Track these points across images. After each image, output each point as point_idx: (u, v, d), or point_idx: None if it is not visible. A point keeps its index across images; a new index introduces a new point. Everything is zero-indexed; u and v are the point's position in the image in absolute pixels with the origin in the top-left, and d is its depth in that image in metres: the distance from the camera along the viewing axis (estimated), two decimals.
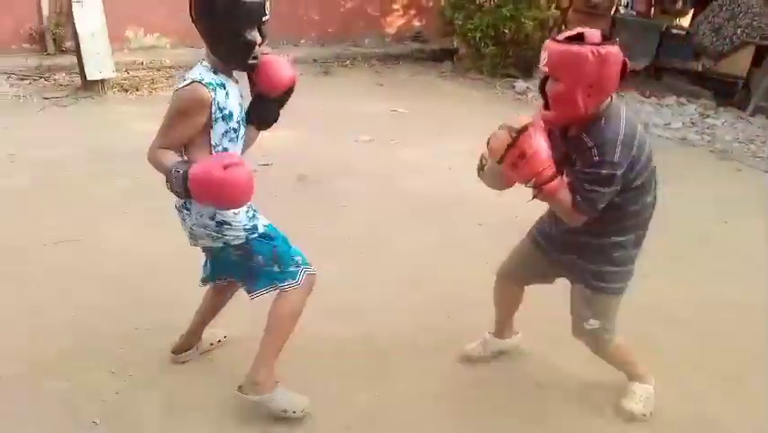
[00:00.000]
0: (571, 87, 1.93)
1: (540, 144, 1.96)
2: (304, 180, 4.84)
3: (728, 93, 8.22)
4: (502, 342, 2.78)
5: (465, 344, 2.85)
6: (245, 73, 2.20)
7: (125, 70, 7.98)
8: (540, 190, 2.01)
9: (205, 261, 2.46)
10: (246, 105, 2.27)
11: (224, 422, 2.40)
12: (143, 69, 8.25)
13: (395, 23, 11.25)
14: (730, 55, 8.20)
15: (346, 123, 6.43)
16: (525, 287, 2.64)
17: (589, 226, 2.12)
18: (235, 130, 2.16)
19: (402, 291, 3.34)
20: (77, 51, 6.97)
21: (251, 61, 2.09)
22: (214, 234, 2.19)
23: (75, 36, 6.92)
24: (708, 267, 3.74)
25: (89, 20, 6.81)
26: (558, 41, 1.96)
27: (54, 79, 7.54)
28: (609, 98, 2.03)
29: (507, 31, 8.66)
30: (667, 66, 9.29)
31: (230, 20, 1.98)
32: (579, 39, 1.94)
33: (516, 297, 2.66)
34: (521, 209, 4.51)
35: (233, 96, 2.14)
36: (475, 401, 2.60)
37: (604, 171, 1.97)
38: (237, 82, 2.18)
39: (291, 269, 2.27)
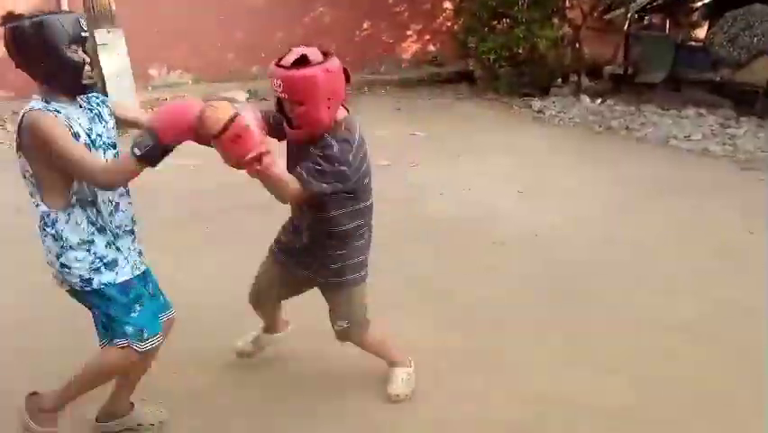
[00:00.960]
0: (313, 105, 2.05)
1: (252, 124, 1.92)
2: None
3: (748, 102, 8.15)
4: (273, 336, 2.83)
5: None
6: None
7: (150, 108, 8.22)
8: (257, 165, 1.93)
9: None
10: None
11: None
12: None
13: (410, 48, 11.44)
14: (748, 64, 8.15)
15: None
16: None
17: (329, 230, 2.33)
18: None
19: (422, 316, 3.36)
20: (102, 92, 7.22)
21: (84, 82, 1.99)
22: (60, 275, 2.10)
23: (101, 77, 7.18)
24: (733, 279, 3.69)
25: (114, 61, 7.07)
26: (286, 68, 2.04)
27: None
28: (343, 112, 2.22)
29: (520, 51, 8.76)
30: (685, 78, 9.25)
31: (49, 45, 1.89)
32: (303, 60, 2.03)
33: (275, 308, 2.74)
34: (540, 225, 4.63)
35: (77, 118, 2.00)
36: None
37: (339, 167, 2.11)
38: (81, 106, 2.06)
39: (118, 339, 2.11)
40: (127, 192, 2.21)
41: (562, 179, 5.42)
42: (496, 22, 9.21)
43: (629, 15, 10.03)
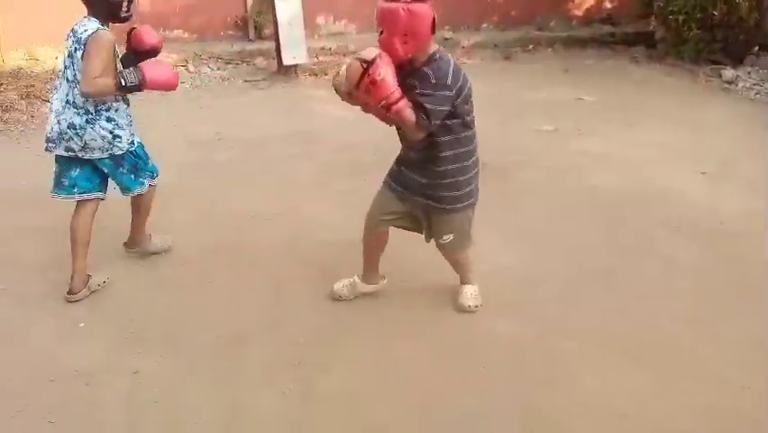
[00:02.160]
0: (390, 35, 2.39)
1: (387, 72, 2.33)
2: (484, 168, 4.72)
3: None
4: (368, 286, 3.06)
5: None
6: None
7: (316, 56, 8.45)
8: (389, 109, 2.37)
9: (61, 177, 3.08)
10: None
11: None
12: (331, 54, 8.67)
13: (583, 4, 10.60)
14: None
15: (528, 111, 6.21)
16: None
17: (430, 152, 2.59)
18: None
19: (583, 292, 3.14)
20: (275, 38, 7.52)
21: (122, 15, 2.91)
22: (108, 145, 2.98)
23: (275, 24, 7.46)
24: None
25: (288, 9, 7.29)
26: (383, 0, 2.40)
27: (254, 64, 8.22)
28: (437, 47, 2.50)
29: (715, 13, 7.74)
30: None
31: None
32: None
33: (382, 240, 2.95)
34: (727, 213, 4.11)
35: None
36: None
37: (440, 93, 2.40)
38: None
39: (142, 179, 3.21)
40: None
41: (754, 165, 4.75)
42: None
43: None
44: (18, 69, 7.12)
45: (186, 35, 9.17)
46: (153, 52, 3.11)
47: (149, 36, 3.12)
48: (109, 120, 2.95)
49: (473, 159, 2.71)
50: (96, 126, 2.92)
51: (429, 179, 2.65)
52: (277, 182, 4.57)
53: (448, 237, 2.80)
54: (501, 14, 10.21)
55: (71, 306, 3.05)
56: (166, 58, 8.03)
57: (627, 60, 8.51)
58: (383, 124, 2.62)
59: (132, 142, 3.10)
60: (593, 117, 5.96)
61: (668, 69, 7.97)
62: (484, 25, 10.15)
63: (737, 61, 8.12)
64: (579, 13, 10.55)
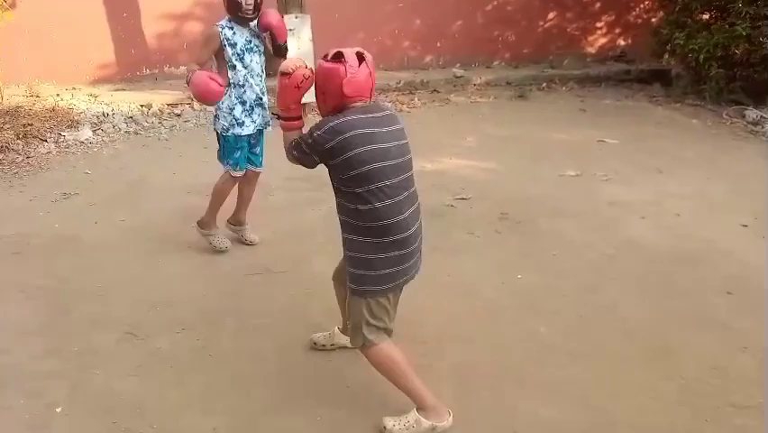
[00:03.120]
0: (316, 90, 2.32)
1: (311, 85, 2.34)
2: (506, 219, 4.42)
3: None
4: (345, 337, 2.78)
5: None
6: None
7: None
8: (284, 118, 2.38)
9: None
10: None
11: None
12: None
13: (596, 42, 10.44)
14: None
15: (548, 153, 5.90)
16: None
17: (345, 220, 2.30)
18: (239, 54, 3.53)
19: (635, 373, 2.76)
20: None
21: (241, 15, 3.48)
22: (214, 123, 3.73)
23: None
24: None
25: (298, 47, 7.06)
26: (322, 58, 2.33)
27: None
28: (361, 109, 2.24)
29: (737, 51, 7.50)
30: None
31: None
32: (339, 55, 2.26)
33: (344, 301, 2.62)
34: None
35: (239, 34, 3.54)
36: None
37: (308, 138, 2.25)
38: (249, 29, 3.59)
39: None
40: (253, 80, 3.60)
41: None
42: (708, 16, 7.99)
43: None
44: (17, 107, 6.88)
45: None
46: (278, 36, 3.56)
47: (265, 17, 3.52)
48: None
49: (385, 240, 2.21)
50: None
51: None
52: (285, 232, 4.23)
53: (349, 323, 2.41)
54: (513, 52, 10.03)
55: (49, 385, 2.68)
56: (168, 94, 7.83)
57: (646, 100, 8.25)
58: None
59: (227, 129, 3.61)
60: (619, 162, 5.65)
61: (689, 109, 7.70)
62: (496, 63, 9.96)
63: (759, 100, 7.86)
64: (592, 50, 10.38)
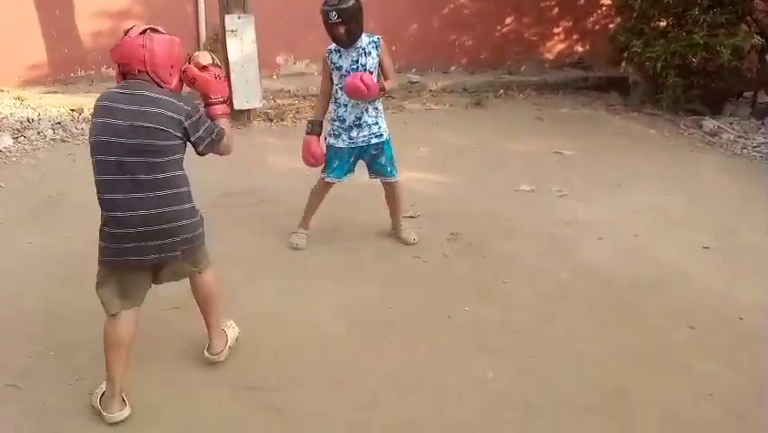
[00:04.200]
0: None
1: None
2: (456, 240, 4.10)
3: None
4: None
5: None
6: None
7: (272, 98, 7.80)
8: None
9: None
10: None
11: None
12: (290, 96, 8.03)
13: (554, 48, 10.27)
14: None
15: (503, 165, 5.63)
16: None
17: None
18: (344, 76, 3.59)
19: (591, 420, 2.47)
20: (227, 80, 6.83)
21: (335, 39, 3.63)
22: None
23: (225, 65, 6.80)
24: None
25: (241, 49, 6.65)
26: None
27: None
28: (133, 74, 2.31)
29: (695, 59, 7.38)
30: None
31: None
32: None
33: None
34: (743, 304, 3.36)
35: (345, 58, 3.64)
36: None
37: None
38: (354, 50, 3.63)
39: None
40: (351, 103, 3.64)
41: (758, 235, 4.23)
42: (666, 23, 7.87)
43: None
44: None
45: None
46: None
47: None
48: None
49: (102, 212, 2.33)
50: None
51: None
52: (221, 257, 3.81)
53: None
54: (471, 58, 9.78)
55: None
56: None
57: (604, 109, 8.09)
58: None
59: (326, 136, 3.81)
60: (576, 175, 5.41)
61: (646, 118, 7.56)
62: (453, 68, 9.69)
63: (716, 110, 7.78)
64: (550, 56, 10.20)
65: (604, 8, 10.11)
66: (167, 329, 2.97)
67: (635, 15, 7.92)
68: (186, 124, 2.29)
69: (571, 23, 10.21)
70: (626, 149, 6.28)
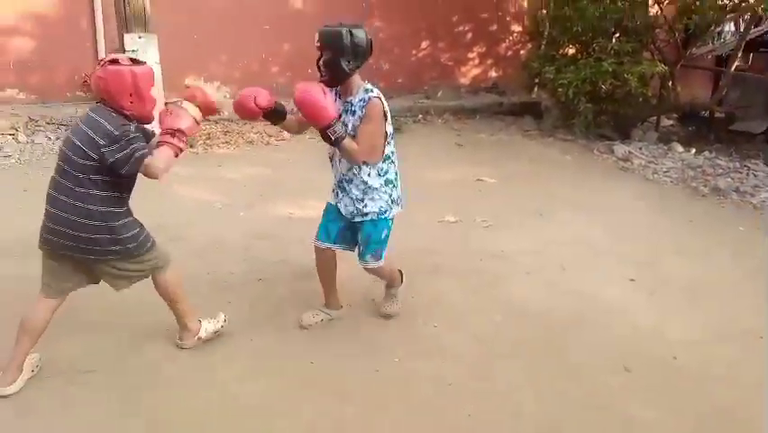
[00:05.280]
0: None
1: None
2: (380, 280, 3.85)
3: None
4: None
5: None
6: None
7: None
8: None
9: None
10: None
11: None
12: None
13: (470, 72, 10.39)
14: None
15: (426, 195, 5.45)
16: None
17: None
18: None
19: None
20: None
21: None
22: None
23: None
24: None
25: None
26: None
27: None
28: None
29: (604, 86, 7.61)
30: None
31: None
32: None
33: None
34: (675, 341, 3.24)
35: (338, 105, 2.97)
36: None
37: None
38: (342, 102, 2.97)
39: None
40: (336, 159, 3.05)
41: (682, 262, 4.26)
42: (575, 51, 8.10)
43: (725, 52, 8.87)
44: None
45: (22, 96, 7.66)
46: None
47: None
48: None
49: None
50: None
51: None
52: (118, 300, 3.35)
53: None
54: (388, 82, 9.67)
55: None
56: None
57: (520, 134, 8.19)
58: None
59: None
60: (499, 204, 5.32)
61: (561, 144, 7.70)
62: None
63: (625, 135, 8.06)
64: (466, 81, 10.30)
65: (515, 34, 10.34)
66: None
67: (545, 42, 8.13)
68: (104, 149, 2.44)
69: (484, 49, 10.37)
70: (544, 176, 6.31)
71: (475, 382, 2.85)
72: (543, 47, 8.25)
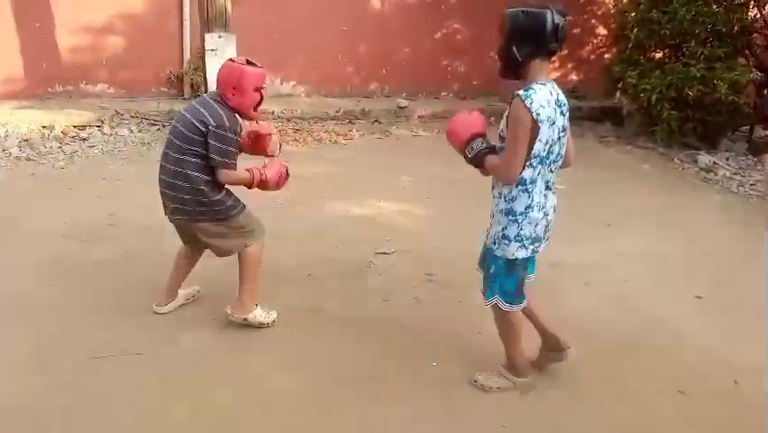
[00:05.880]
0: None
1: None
2: (431, 281, 3.81)
3: None
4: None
5: None
6: None
7: (257, 120, 7.54)
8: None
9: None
10: None
11: None
12: (275, 118, 7.78)
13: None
14: None
15: (485, 198, 5.33)
16: None
17: None
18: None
19: None
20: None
21: None
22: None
23: (205, 83, 6.57)
24: None
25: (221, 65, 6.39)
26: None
27: None
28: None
29: (691, 93, 7.16)
30: None
31: None
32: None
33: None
34: (740, 365, 2.96)
35: None
36: None
37: None
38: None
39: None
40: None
41: (758, 284, 3.92)
42: (662, 55, 7.67)
43: None
44: None
45: (111, 90, 8.17)
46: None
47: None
48: None
49: None
50: None
51: None
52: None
53: None
54: (462, 83, 9.58)
55: None
56: (78, 114, 7.02)
57: (596, 139, 7.86)
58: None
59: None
60: (564, 212, 5.05)
61: (640, 152, 7.32)
62: (444, 94, 9.48)
63: (712, 145, 7.54)
64: None
65: (600, 38, 9.95)
66: None
67: (630, 46, 7.74)
68: (205, 131, 2.80)
69: (566, 51, 10.00)
70: (617, 184, 6.01)
71: (515, 398, 2.73)
72: (628, 50, 7.88)
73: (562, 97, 2.52)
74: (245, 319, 3.09)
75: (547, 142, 2.40)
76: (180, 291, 3.30)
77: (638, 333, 3.29)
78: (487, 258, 2.68)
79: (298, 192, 5.38)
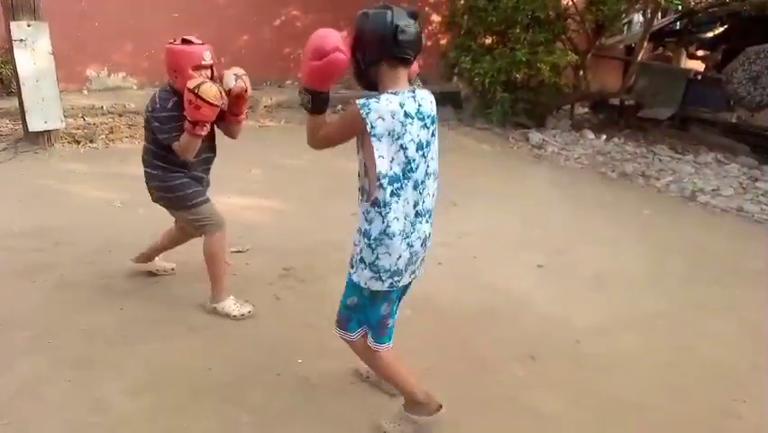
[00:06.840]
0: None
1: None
2: (288, 276, 3.72)
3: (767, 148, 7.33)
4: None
5: None
6: None
7: (81, 116, 6.87)
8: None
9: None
10: None
11: None
12: (103, 114, 7.14)
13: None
14: None
15: (341, 187, 5.28)
16: None
17: None
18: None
19: None
20: (18, 97, 5.84)
21: None
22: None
23: (16, 79, 5.82)
24: None
25: (34, 62, 5.70)
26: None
27: None
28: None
29: (518, 76, 7.71)
30: (694, 116, 8.41)
31: None
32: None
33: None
34: (579, 326, 3.27)
35: None
36: None
37: None
38: None
39: None
40: None
41: (590, 249, 4.34)
42: (491, 41, 8.16)
43: (634, 42, 9.19)
44: None
45: None
46: None
47: None
48: None
49: None
50: None
51: None
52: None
53: None
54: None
55: None
56: None
57: (439, 124, 8.15)
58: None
59: None
60: None
61: (478, 133, 7.75)
62: (288, 82, 9.32)
63: (540, 123, 8.21)
64: None
65: (434, 24, 10.34)
66: None
67: (462, 32, 8.15)
68: (149, 118, 2.96)
69: None
70: (460, 165, 6.30)
71: (381, 385, 2.76)
72: (460, 37, 8.27)
73: (427, 108, 2.16)
74: (214, 308, 3.21)
75: (393, 160, 2.03)
76: (157, 260, 3.51)
77: (490, 306, 3.47)
78: (347, 284, 2.31)
79: (139, 193, 4.98)
